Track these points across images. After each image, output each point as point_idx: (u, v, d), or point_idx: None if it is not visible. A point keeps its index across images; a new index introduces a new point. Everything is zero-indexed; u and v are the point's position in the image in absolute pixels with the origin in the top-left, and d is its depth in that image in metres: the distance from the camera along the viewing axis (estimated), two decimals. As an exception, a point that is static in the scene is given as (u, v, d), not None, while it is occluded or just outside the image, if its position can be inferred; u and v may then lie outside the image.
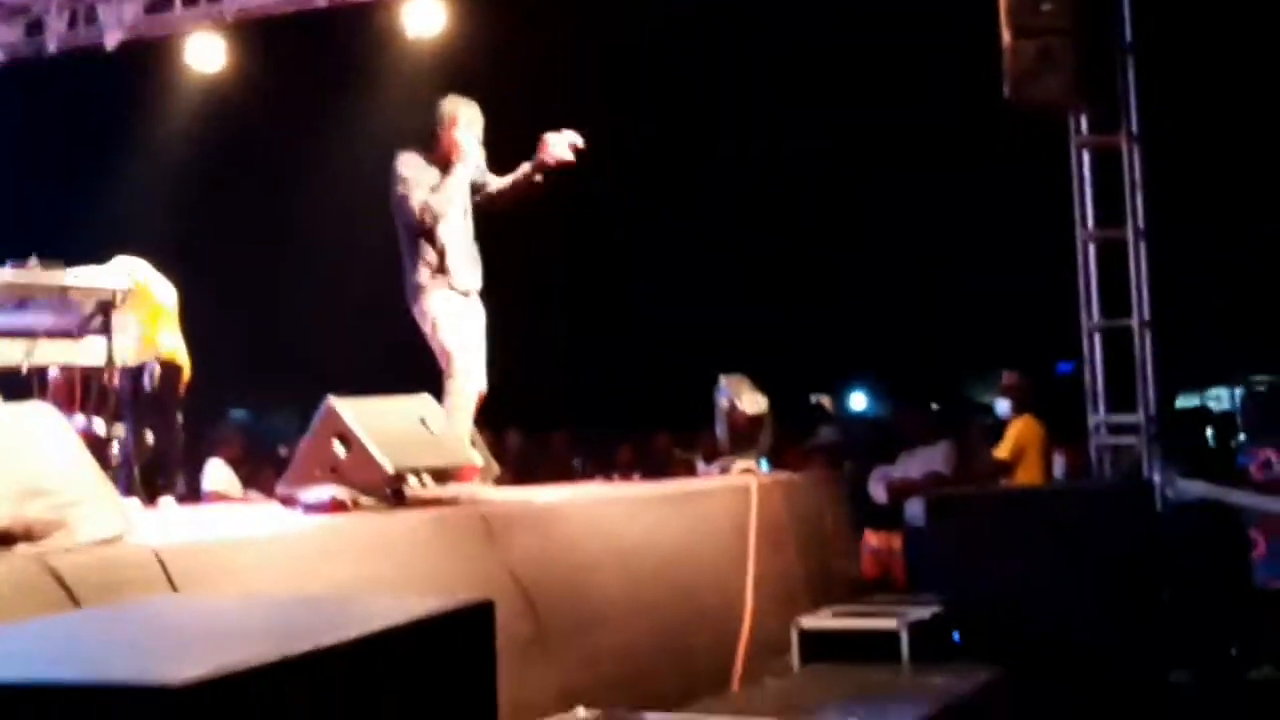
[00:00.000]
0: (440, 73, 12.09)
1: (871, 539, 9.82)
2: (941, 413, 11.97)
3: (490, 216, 7.52)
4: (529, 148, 7.44)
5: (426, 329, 7.19)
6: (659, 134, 15.10)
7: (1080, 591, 7.04)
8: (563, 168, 7.37)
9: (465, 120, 7.28)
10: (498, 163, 7.51)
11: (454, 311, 7.19)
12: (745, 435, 8.54)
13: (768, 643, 7.06)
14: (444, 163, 7.21)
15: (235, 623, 3.01)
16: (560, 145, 7.33)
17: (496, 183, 7.46)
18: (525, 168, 7.41)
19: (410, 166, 7.16)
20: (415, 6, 11.85)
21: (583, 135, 7.41)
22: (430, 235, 7.14)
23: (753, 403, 8.57)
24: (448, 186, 7.16)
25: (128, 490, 8.87)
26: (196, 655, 2.50)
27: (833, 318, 17.37)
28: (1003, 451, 9.83)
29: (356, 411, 5.91)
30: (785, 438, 11.29)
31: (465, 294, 7.26)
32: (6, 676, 2.30)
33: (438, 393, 6.95)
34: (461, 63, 12.10)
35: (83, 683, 2.29)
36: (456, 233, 7.23)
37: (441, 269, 7.16)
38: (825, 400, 19.29)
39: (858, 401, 22.57)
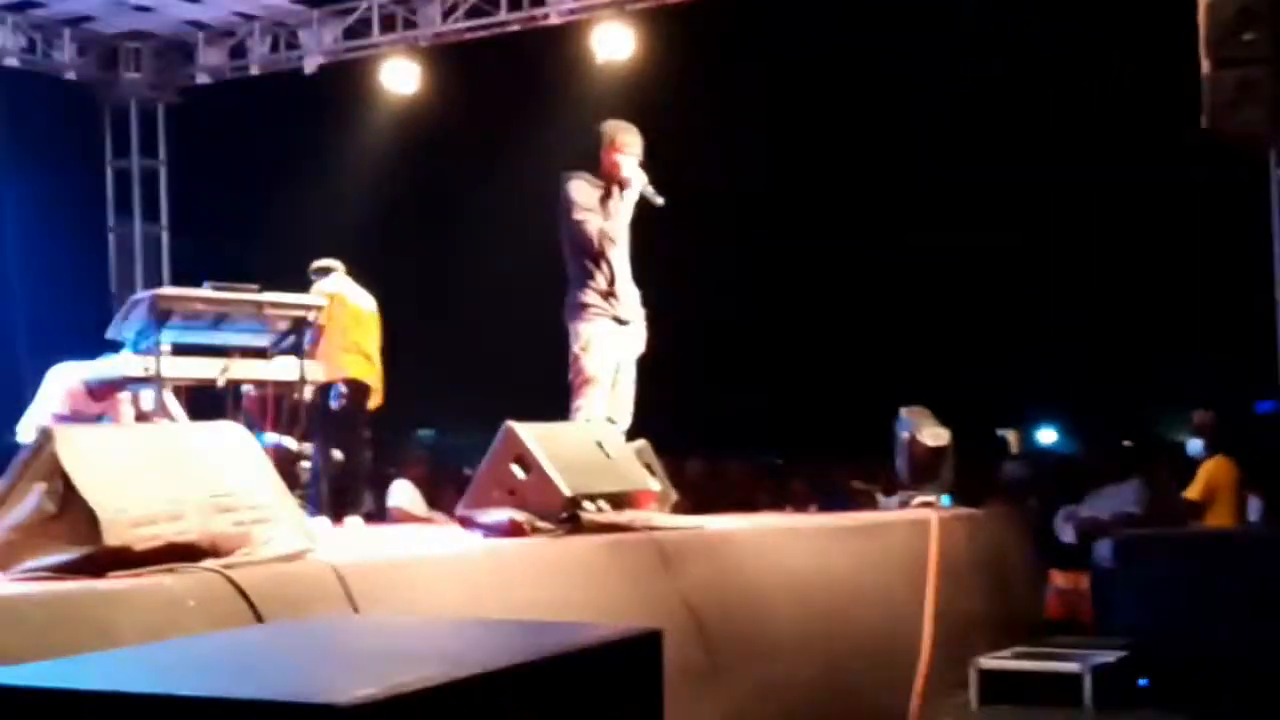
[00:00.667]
0: (628, 96, 12.20)
1: (1057, 579, 9.57)
2: (1132, 450, 11.66)
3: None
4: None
5: (576, 349, 7.22)
6: (843, 159, 14.97)
7: (1272, 638, 6.78)
8: None
9: (625, 144, 7.29)
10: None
11: (609, 342, 7.23)
12: (926, 468, 8.39)
13: (944, 683, 6.93)
14: (607, 185, 7.24)
15: (407, 643, 3.03)
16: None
17: None
18: None
19: (582, 192, 7.21)
20: (604, 31, 11.97)
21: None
22: (601, 260, 7.18)
23: (934, 435, 8.43)
24: (614, 211, 7.20)
25: (317, 508, 9.08)
26: (366, 675, 2.52)
27: (1022, 351, 17.03)
28: (1193, 492, 9.54)
29: (535, 435, 5.95)
30: (968, 473, 11.08)
31: (625, 323, 7.31)
32: (177, 690, 2.35)
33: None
34: (648, 87, 12.17)
35: (252, 699, 2.31)
36: (621, 259, 7.27)
37: (610, 294, 7.20)
38: (1011, 435, 18.93)
39: (1046, 437, 22.09)
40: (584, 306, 7.21)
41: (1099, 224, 15.85)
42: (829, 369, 16.13)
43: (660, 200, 7.26)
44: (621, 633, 3.05)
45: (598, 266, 7.20)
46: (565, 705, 2.77)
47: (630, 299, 7.33)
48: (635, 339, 7.40)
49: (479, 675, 2.55)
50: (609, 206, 7.21)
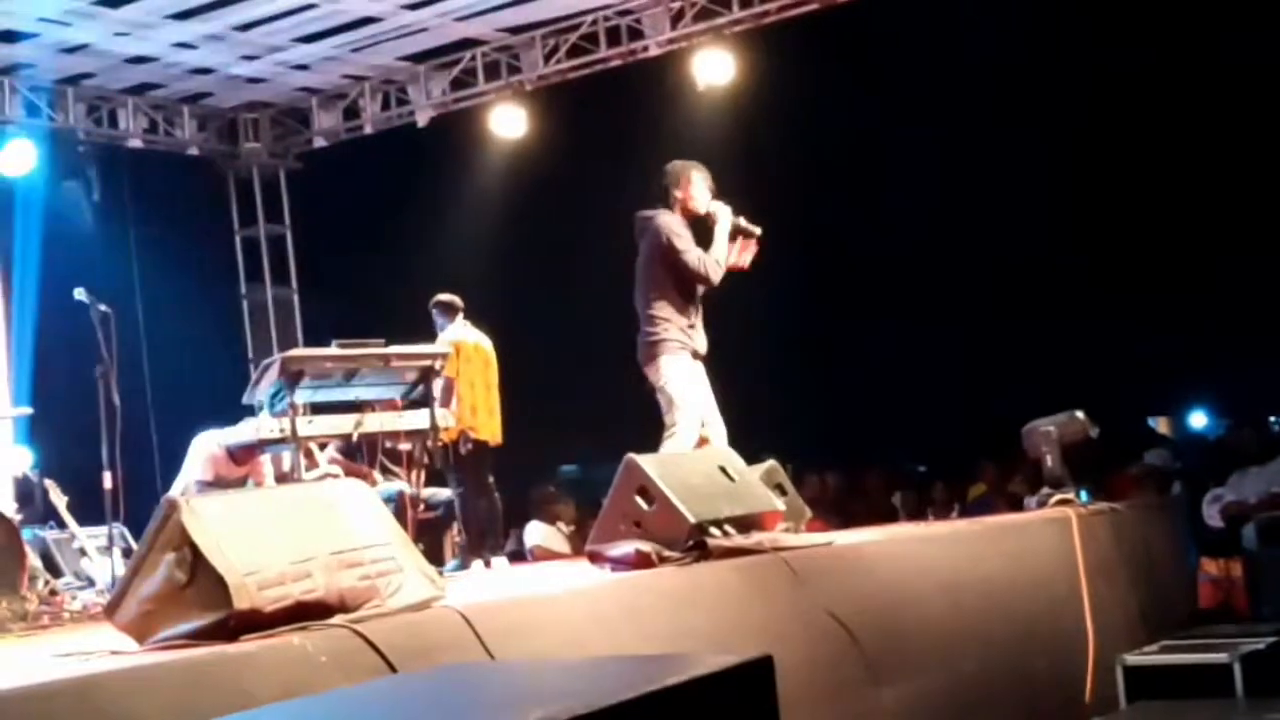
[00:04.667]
0: (731, 120, 12.22)
1: (1209, 566, 9.38)
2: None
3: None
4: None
5: (662, 383, 7.27)
6: (953, 164, 14.77)
7: None
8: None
9: (697, 179, 7.36)
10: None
11: (691, 373, 7.31)
12: (1064, 465, 8.27)
13: (1106, 679, 6.85)
14: (687, 223, 7.33)
15: (515, 688, 3.08)
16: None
17: None
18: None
19: (681, 225, 7.28)
20: (703, 58, 12.03)
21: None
22: (688, 295, 7.28)
23: (1071, 431, 8.31)
24: (715, 248, 7.28)
25: (464, 553, 9.23)
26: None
27: (1170, 335, 16.63)
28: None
29: (657, 465, 5.99)
30: (1113, 463, 10.91)
31: (700, 357, 7.38)
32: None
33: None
34: (751, 109, 12.19)
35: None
36: (698, 297, 7.38)
37: (690, 328, 7.30)
38: (1162, 422, 18.53)
39: (1197, 421, 21.57)
40: (663, 343, 7.27)
41: (1236, 192, 15.40)
42: (970, 372, 15.91)
43: (758, 230, 7.33)
44: (732, 660, 3.06)
45: (687, 300, 7.29)
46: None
47: (705, 335, 7.43)
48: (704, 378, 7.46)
49: (584, 715, 2.58)
50: (715, 243, 7.32)
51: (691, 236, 7.31)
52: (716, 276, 7.29)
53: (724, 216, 7.35)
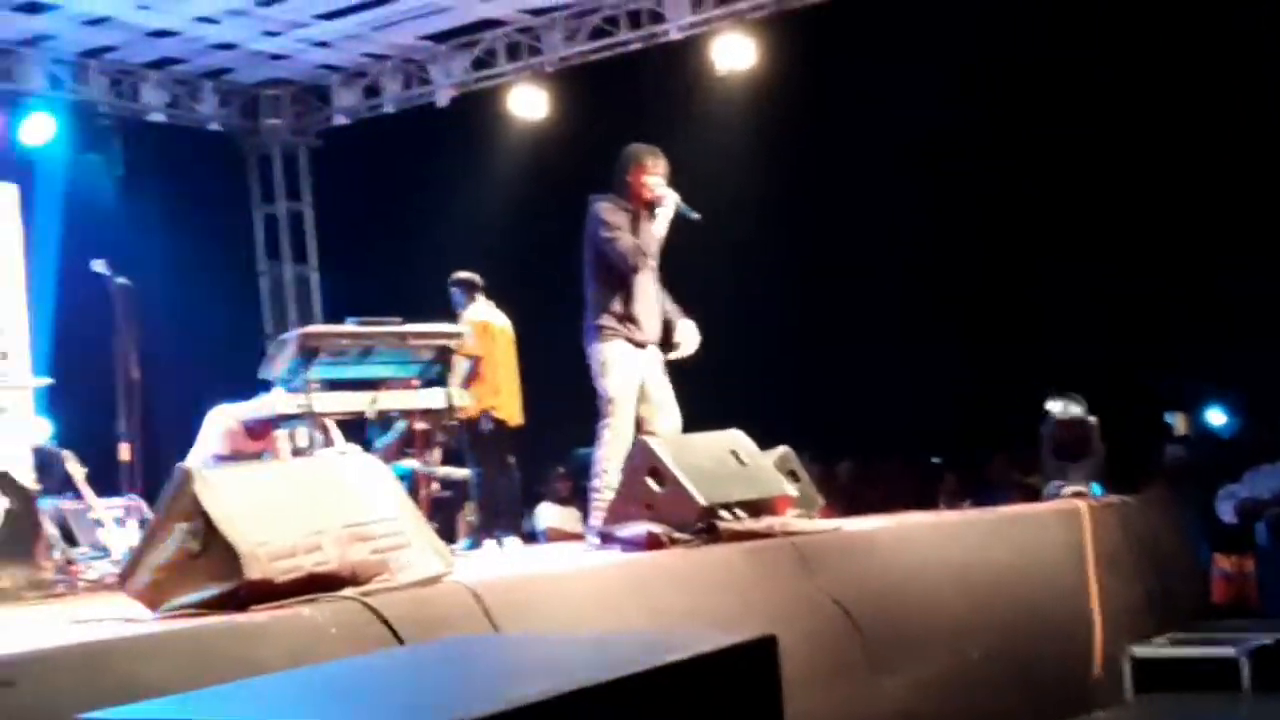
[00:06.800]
0: (750, 106, 12.21)
1: (1222, 562, 9.36)
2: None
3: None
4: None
5: (595, 370, 7.13)
6: (974, 148, 14.71)
7: None
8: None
9: (652, 165, 7.21)
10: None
11: (626, 361, 7.10)
12: (1069, 456, 8.28)
13: (1113, 670, 6.87)
14: (635, 208, 7.17)
15: (519, 661, 3.10)
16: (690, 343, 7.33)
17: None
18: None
19: (612, 213, 7.12)
20: (724, 42, 12.05)
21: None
22: (622, 282, 7.09)
23: (1075, 423, 8.31)
24: (646, 233, 7.12)
25: (477, 532, 9.26)
26: (469, 696, 2.59)
27: (1191, 330, 16.56)
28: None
29: (669, 448, 6.02)
30: (1130, 458, 10.90)
31: (641, 345, 7.17)
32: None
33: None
34: (770, 95, 12.16)
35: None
36: (642, 283, 7.18)
37: (625, 318, 7.10)
38: (1180, 418, 18.47)
39: (1215, 418, 21.49)
40: (599, 329, 7.11)
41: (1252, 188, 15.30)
42: (989, 362, 15.87)
43: (696, 215, 7.17)
44: (736, 639, 3.08)
45: (616, 289, 7.10)
46: (675, 714, 2.81)
47: (650, 322, 7.22)
48: (654, 360, 7.26)
49: (583, 689, 2.60)
50: (646, 229, 7.13)
51: (626, 223, 7.13)
52: (639, 265, 7.10)
53: (669, 204, 7.15)
